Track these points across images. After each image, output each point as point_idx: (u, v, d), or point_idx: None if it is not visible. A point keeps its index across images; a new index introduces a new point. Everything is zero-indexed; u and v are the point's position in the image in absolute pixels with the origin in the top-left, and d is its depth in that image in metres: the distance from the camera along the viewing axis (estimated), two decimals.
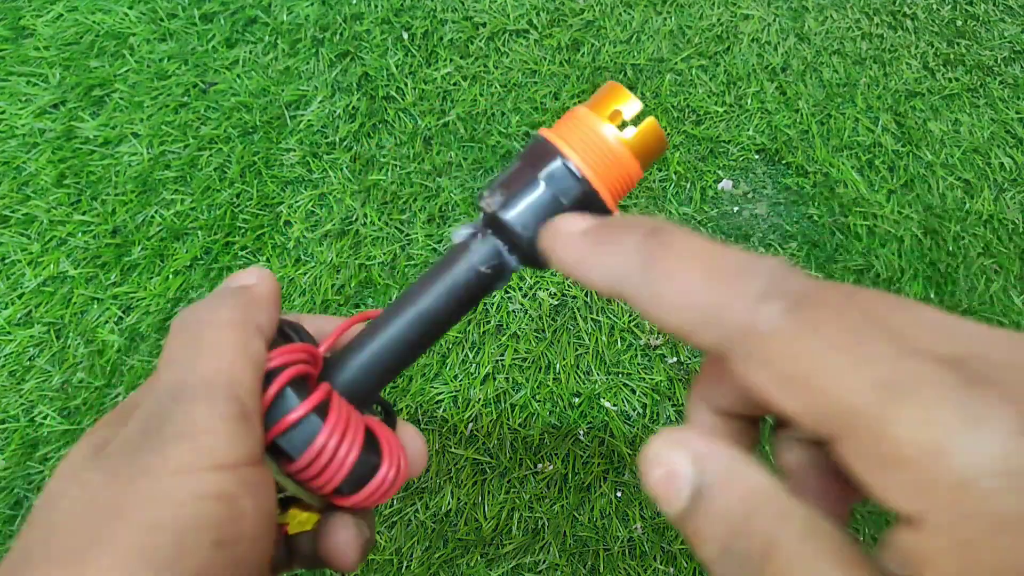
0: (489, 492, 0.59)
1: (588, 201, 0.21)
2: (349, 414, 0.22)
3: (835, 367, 0.13)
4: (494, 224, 0.22)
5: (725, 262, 0.15)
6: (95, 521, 0.17)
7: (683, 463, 0.16)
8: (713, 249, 0.16)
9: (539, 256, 0.22)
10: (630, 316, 0.66)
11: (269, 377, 0.21)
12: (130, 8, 0.82)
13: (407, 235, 0.69)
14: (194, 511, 0.17)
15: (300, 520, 0.23)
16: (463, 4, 0.83)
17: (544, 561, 0.57)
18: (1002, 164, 0.74)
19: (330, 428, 0.21)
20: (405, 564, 0.57)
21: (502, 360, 0.63)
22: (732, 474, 0.16)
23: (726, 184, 0.73)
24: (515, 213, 0.21)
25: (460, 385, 0.62)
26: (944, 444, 0.12)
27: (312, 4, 0.83)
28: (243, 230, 0.70)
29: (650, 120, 0.22)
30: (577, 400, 0.62)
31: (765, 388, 0.14)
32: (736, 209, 0.72)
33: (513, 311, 0.66)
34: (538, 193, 0.21)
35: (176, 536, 0.17)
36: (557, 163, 0.21)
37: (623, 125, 0.21)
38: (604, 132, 0.21)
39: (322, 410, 0.22)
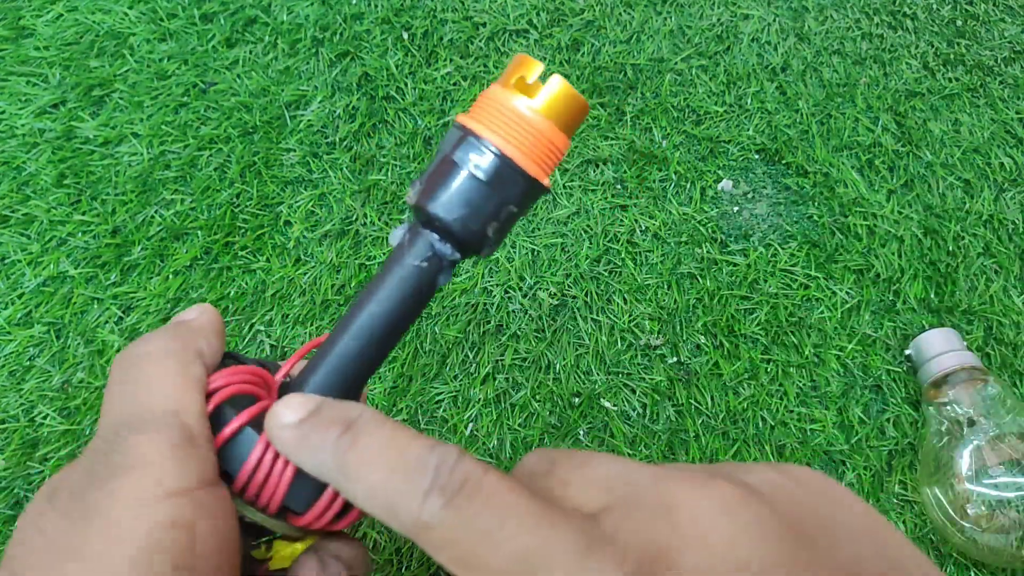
0: None
1: (507, 173, 0.21)
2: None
3: (487, 551, 0.16)
4: (421, 216, 0.21)
5: (403, 458, 0.18)
6: (53, 564, 0.18)
7: None
8: (397, 442, 0.18)
9: (473, 241, 0.21)
10: (630, 316, 0.66)
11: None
12: (130, 8, 0.82)
13: None
14: (149, 541, 0.18)
15: (283, 555, 0.23)
16: (463, 4, 0.83)
17: None
18: (1002, 164, 0.74)
19: (265, 440, 0.21)
20: (405, 564, 0.57)
21: (502, 360, 0.63)
22: None
23: (726, 184, 0.73)
24: (436, 200, 0.21)
25: (460, 385, 0.62)
26: None
27: (312, 4, 0.83)
28: (243, 230, 0.70)
29: (556, 79, 0.21)
30: (577, 400, 0.62)
31: (447, 567, 0.17)
32: (736, 209, 0.72)
33: (513, 311, 0.66)
34: (456, 175, 0.21)
35: (134, 568, 0.17)
36: (469, 140, 0.21)
37: (534, 93, 0.21)
38: (512, 102, 0.21)
39: (259, 424, 0.21)
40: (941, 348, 0.61)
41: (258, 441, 0.20)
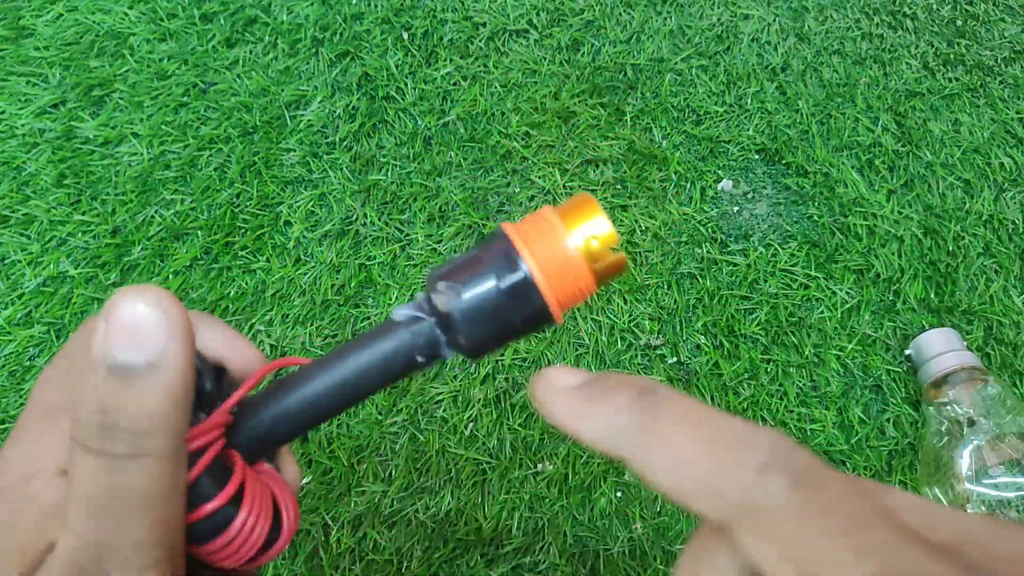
0: (489, 492, 0.59)
1: (539, 316, 0.21)
2: (263, 495, 0.22)
3: (840, 553, 0.13)
4: (441, 317, 0.21)
5: (724, 430, 0.15)
6: None
7: None
8: (711, 415, 0.16)
9: (473, 354, 0.21)
10: (630, 316, 0.66)
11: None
12: (130, 8, 0.82)
13: (407, 235, 0.69)
14: None
15: None
16: (463, 4, 0.83)
17: (544, 561, 0.57)
18: (1002, 164, 0.74)
19: (244, 517, 0.21)
20: (405, 564, 0.57)
21: (502, 360, 0.64)
22: None
23: (726, 184, 0.73)
24: (468, 317, 0.20)
25: (460, 385, 0.62)
26: None
27: (312, 4, 0.83)
28: (243, 230, 0.70)
29: (621, 257, 0.21)
30: None
31: (767, 563, 0.14)
32: (736, 209, 0.72)
33: None
34: (494, 299, 0.20)
35: None
36: (519, 276, 0.20)
37: (590, 242, 0.21)
38: (572, 251, 0.20)
39: (238, 498, 0.21)
40: (941, 348, 0.61)
41: (239, 514, 0.20)
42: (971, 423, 0.58)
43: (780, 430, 0.15)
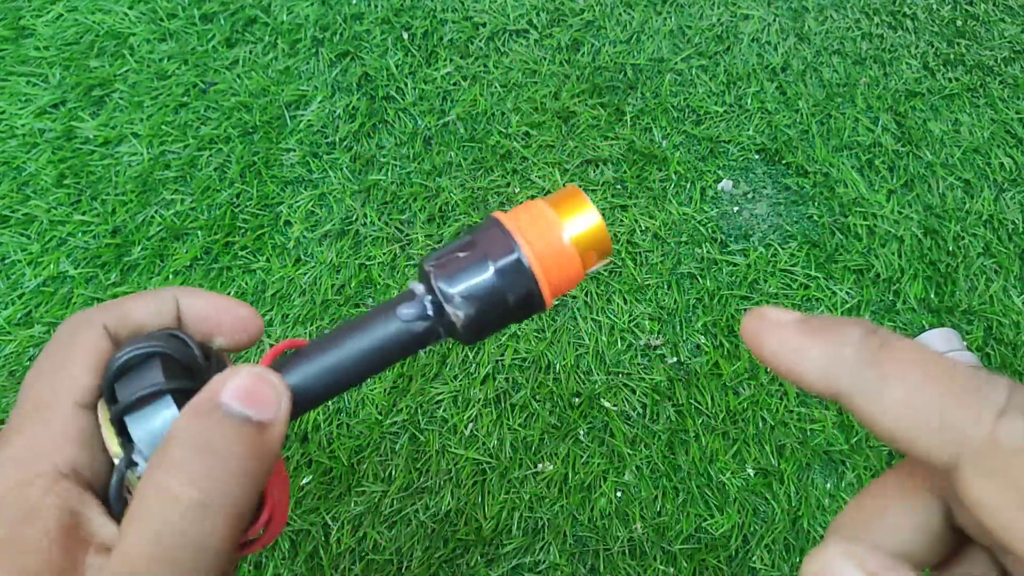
0: (489, 492, 0.59)
1: (530, 299, 0.22)
2: (281, 500, 0.22)
3: None
4: (447, 322, 0.22)
5: (959, 374, 0.14)
6: None
7: None
8: (942, 360, 0.15)
9: (468, 340, 0.22)
10: (630, 316, 0.66)
11: None
12: (130, 8, 0.82)
13: (407, 235, 0.69)
14: None
15: None
16: (463, 4, 0.83)
17: (544, 561, 0.57)
18: (1002, 164, 0.74)
19: (270, 532, 0.21)
20: (405, 564, 0.57)
21: (502, 360, 0.63)
22: None
23: (726, 184, 0.73)
24: (473, 322, 0.21)
25: (460, 385, 0.62)
26: None
27: (312, 4, 0.83)
28: (243, 230, 0.70)
29: (606, 240, 0.22)
30: (577, 400, 0.62)
31: (1002, 509, 0.13)
32: (736, 209, 0.72)
33: None
34: (499, 302, 0.21)
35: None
36: (513, 257, 0.21)
37: (577, 229, 0.22)
38: (562, 233, 0.22)
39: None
40: (941, 348, 0.61)
41: (271, 528, 0.21)
42: None
43: (1014, 380, 0.14)
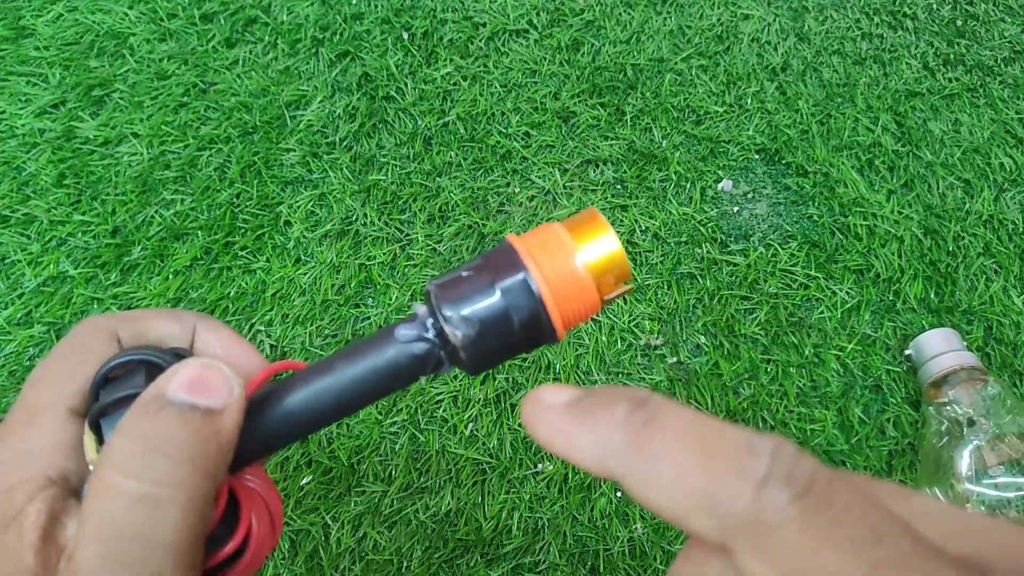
0: (489, 492, 0.59)
1: (537, 324, 0.20)
2: (262, 516, 0.21)
3: (850, 571, 0.12)
4: (449, 347, 0.20)
5: (722, 441, 0.14)
6: None
7: None
8: (707, 425, 0.14)
9: (474, 374, 0.21)
10: (630, 316, 0.66)
11: None
12: (130, 8, 0.82)
13: (407, 235, 0.69)
14: None
15: None
16: (463, 4, 0.83)
17: (544, 561, 0.57)
18: (1002, 164, 0.74)
19: (253, 549, 0.20)
20: (405, 564, 0.57)
21: None
22: None
23: (726, 184, 0.73)
24: (479, 350, 0.20)
25: (460, 385, 0.62)
26: None
27: (312, 4, 0.83)
28: (243, 230, 0.70)
29: (628, 278, 0.21)
30: None
31: None
32: (736, 209, 0.72)
33: None
34: (506, 331, 0.20)
35: None
36: (533, 306, 0.20)
37: (594, 255, 0.20)
38: (575, 257, 0.20)
39: (247, 533, 0.21)
40: (941, 348, 0.60)
41: (250, 543, 0.20)
42: (971, 423, 0.58)
43: (782, 436, 0.14)
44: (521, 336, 0.20)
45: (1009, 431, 0.56)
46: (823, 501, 0.13)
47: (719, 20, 0.83)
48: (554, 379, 0.63)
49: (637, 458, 0.15)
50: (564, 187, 0.72)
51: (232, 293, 0.66)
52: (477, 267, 0.20)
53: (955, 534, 0.14)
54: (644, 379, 0.63)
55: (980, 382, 0.59)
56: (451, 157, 0.73)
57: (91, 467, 0.19)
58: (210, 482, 0.17)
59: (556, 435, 0.16)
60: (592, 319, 0.65)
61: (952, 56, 0.82)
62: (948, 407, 0.59)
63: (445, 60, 0.79)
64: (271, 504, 0.22)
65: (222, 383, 0.18)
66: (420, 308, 0.21)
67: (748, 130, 0.76)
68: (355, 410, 0.22)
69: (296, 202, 0.71)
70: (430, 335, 0.21)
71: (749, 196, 0.73)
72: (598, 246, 0.20)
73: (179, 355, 0.22)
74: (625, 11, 0.83)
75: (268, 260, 0.68)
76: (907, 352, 0.64)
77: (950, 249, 0.69)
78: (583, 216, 0.21)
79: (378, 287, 0.67)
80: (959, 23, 0.84)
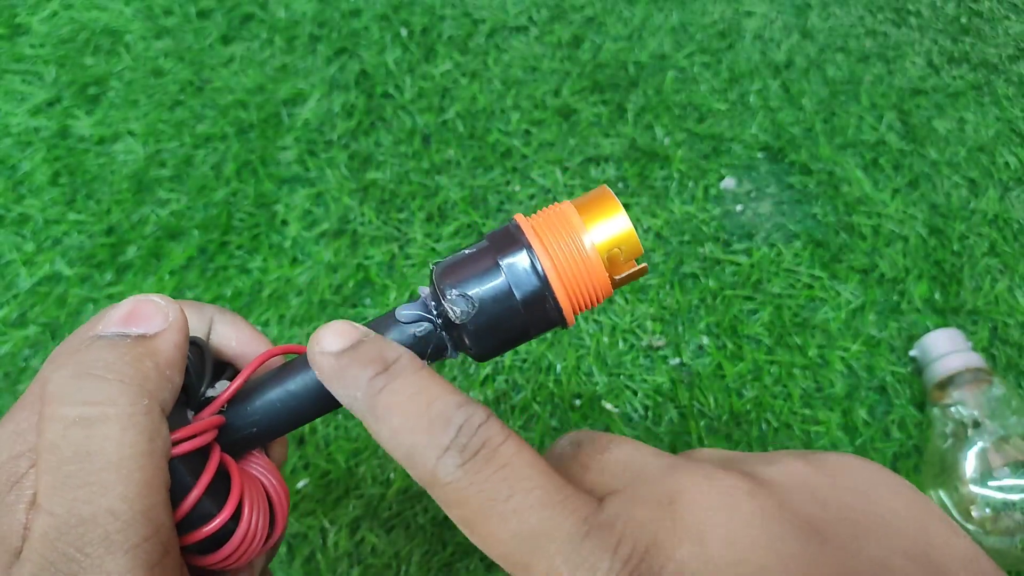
0: None
1: (552, 322, 0.20)
2: (259, 497, 0.21)
3: (491, 520, 0.16)
4: (451, 326, 0.20)
5: (430, 410, 0.18)
6: None
7: None
8: (428, 394, 0.18)
9: (481, 359, 0.21)
10: (632, 317, 0.65)
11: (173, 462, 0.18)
12: (126, 5, 0.81)
13: (405, 234, 0.69)
14: None
15: None
16: (462, 0, 0.82)
17: None
18: (1007, 163, 0.74)
19: (245, 527, 0.20)
20: (404, 568, 0.56)
21: (502, 361, 0.63)
22: None
23: (729, 182, 0.72)
24: (481, 331, 0.20)
25: (459, 386, 0.62)
26: None
27: (310, 0, 0.82)
28: (239, 229, 0.69)
29: (642, 264, 0.20)
30: (578, 402, 0.61)
31: (456, 523, 0.18)
32: (739, 208, 0.71)
33: None
34: (509, 311, 0.19)
35: None
36: (537, 286, 0.19)
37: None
38: (583, 236, 0.19)
39: (237, 510, 0.20)
40: (946, 349, 0.60)
41: (237, 531, 0.19)
42: (976, 425, 0.57)
43: (481, 406, 0.18)
44: (526, 317, 0.19)
45: (1015, 433, 0.56)
46: (482, 465, 0.17)
47: (722, 16, 0.82)
48: (555, 380, 0.62)
49: (370, 416, 0.19)
50: (565, 185, 0.71)
51: (228, 293, 0.65)
52: (481, 246, 0.20)
53: (612, 475, 0.19)
54: (646, 381, 0.62)
55: (985, 383, 0.58)
56: (450, 155, 0.73)
57: None
58: (148, 399, 0.18)
59: (322, 378, 0.20)
60: (594, 320, 0.65)
61: (957, 53, 0.81)
62: (953, 409, 0.58)
63: (444, 57, 0.78)
64: (273, 495, 0.22)
65: (154, 311, 0.19)
66: (424, 290, 0.21)
67: (751, 128, 0.75)
68: None
69: (293, 201, 0.70)
70: (432, 315, 0.20)
71: (752, 195, 0.72)
72: (608, 226, 0.20)
73: (195, 344, 0.22)
74: (626, 7, 0.83)
75: (264, 260, 0.67)
76: (912, 353, 0.63)
77: (955, 249, 0.69)
78: (594, 195, 0.20)
79: (376, 287, 0.66)
80: (964, 20, 0.83)
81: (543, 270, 0.19)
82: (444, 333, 0.20)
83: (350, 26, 0.80)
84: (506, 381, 0.62)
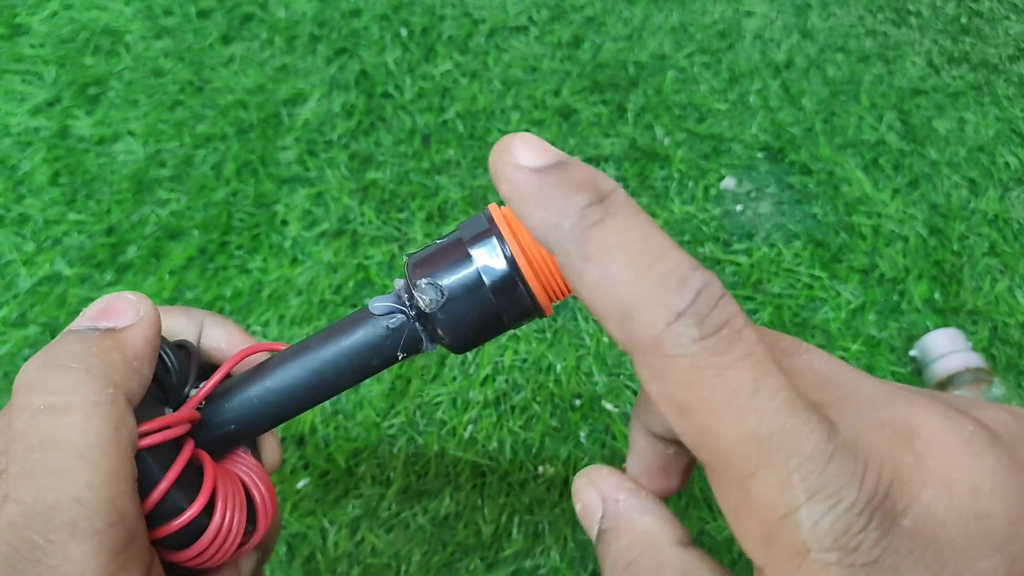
0: (489, 495, 0.58)
1: (527, 310, 0.19)
2: (235, 494, 0.21)
3: (724, 411, 0.14)
4: (423, 316, 0.20)
5: (659, 263, 0.15)
6: None
7: (594, 502, 0.18)
8: (653, 242, 0.15)
9: (458, 351, 0.20)
10: None
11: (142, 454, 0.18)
12: (126, 5, 0.81)
13: (405, 234, 0.69)
14: None
15: None
16: (462, 0, 0.82)
17: (545, 565, 0.56)
18: (1007, 163, 0.74)
19: (217, 522, 0.20)
20: (404, 568, 0.56)
21: (502, 361, 0.63)
22: (626, 520, 0.18)
23: (729, 182, 0.72)
24: (452, 319, 0.19)
25: (459, 387, 0.62)
26: (793, 512, 0.13)
27: (310, 0, 0.82)
28: (239, 229, 0.69)
29: None
30: (578, 402, 0.61)
31: (656, 400, 0.15)
32: (739, 208, 0.71)
33: None
34: (479, 298, 0.19)
35: None
36: (505, 270, 0.19)
37: None
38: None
39: (210, 504, 0.20)
40: (946, 349, 0.60)
41: (211, 525, 0.19)
42: None
43: (715, 275, 0.15)
44: (498, 304, 0.19)
45: None
46: (724, 347, 0.14)
47: (722, 16, 0.82)
48: (555, 380, 0.62)
49: (576, 252, 0.15)
50: None
51: (228, 293, 0.65)
52: (453, 236, 0.20)
53: (826, 386, 0.16)
54: None
55: (985, 383, 0.58)
56: (450, 155, 0.73)
57: None
58: (113, 389, 0.17)
59: (514, 195, 0.16)
60: (594, 320, 0.64)
61: (957, 53, 0.81)
62: None
63: (444, 57, 0.78)
64: (256, 495, 0.22)
65: (126, 307, 0.19)
66: (399, 282, 0.21)
67: (751, 128, 0.75)
68: (337, 389, 0.21)
69: (293, 201, 0.70)
70: (405, 307, 0.20)
71: (752, 195, 0.72)
72: None
73: (183, 347, 0.22)
74: (626, 7, 0.83)
75: (264, 260, 0.67)
76: (912, 353, 0.63)
77: (955, 249, 0.69)
78: None
79: (376, 287, 0.66)
80: (964, 20, 0.83)
81: (511, 254, 0.19)
82: (418, 324, 0.20)
83: (350, 26, 0.80)
84: (506, 381, 0.62)
